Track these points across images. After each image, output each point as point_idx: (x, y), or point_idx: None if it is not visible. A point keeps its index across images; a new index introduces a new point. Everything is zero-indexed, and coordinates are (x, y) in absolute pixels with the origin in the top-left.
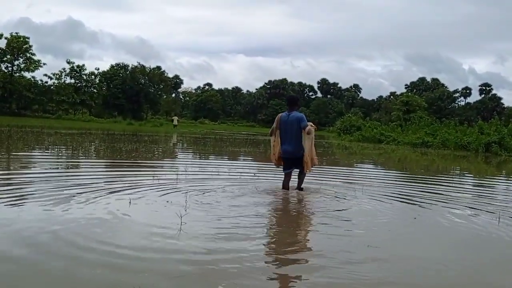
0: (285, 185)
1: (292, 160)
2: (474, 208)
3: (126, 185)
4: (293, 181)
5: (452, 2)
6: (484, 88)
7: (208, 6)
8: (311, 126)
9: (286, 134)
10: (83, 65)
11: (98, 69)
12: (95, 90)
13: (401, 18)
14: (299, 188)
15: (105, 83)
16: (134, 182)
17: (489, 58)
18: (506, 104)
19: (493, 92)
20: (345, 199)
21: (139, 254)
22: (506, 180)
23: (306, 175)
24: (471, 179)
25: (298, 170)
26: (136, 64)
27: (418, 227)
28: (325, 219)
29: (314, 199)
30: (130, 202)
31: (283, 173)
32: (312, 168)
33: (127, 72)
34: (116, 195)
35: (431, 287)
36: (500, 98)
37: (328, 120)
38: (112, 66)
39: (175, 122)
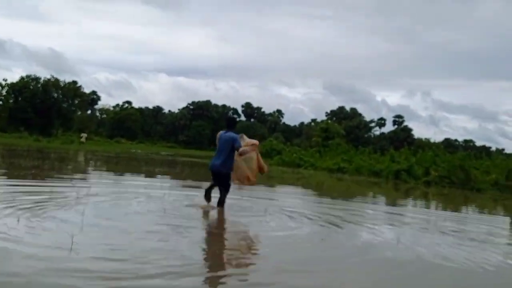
0: (207, 192)
1: (216, 176)
2: (378, 228)
3: (19, 201)
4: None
5: (368, 38)
6: (397, 119)
7: (128, 23)
8: (253, 144)
9: (219, 150)
10: None
11: (6, 80)
12: (0, 102)
13: (321, 49)
14: (219, 204)
15: (13, 95)
16: (28, 199)
17: (399, 92)
18: (416, 136)
19: (405, 123)
20: (260, 217)
21: (24, 277)
22: (413, 205)
23: (230, 193)
24: (381, 202)
25: (220, 187)
26: (49, 77)
27: (322, 246)
28: (228, 235)
29: (222, 217)
30: (18, 220)
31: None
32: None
33: (39, 85)
34: (4, 212)
35: None
36: (410, 130)
37: None
38: (22, 78)
39: (83, 140)
